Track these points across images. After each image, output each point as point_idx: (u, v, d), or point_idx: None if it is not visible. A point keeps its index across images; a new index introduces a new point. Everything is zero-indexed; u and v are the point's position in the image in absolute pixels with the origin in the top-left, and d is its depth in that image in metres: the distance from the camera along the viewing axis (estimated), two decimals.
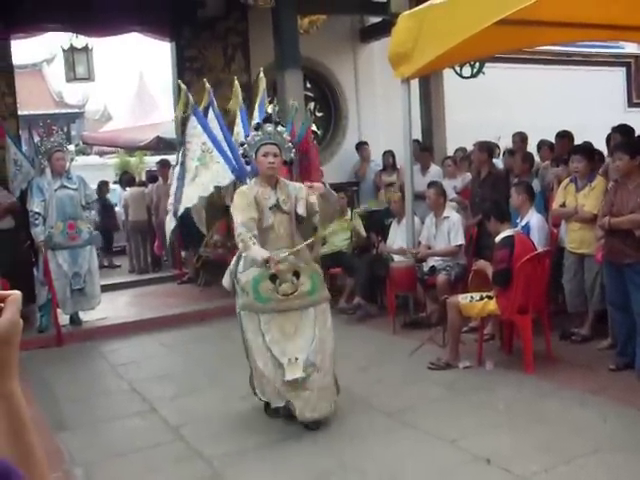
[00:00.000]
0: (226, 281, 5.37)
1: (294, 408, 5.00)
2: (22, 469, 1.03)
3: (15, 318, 1.11)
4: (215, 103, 7.86)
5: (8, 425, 1.11)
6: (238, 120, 7.75)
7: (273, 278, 4.99)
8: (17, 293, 1.13)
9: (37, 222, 8.23)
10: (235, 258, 5.29)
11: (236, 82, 8.13)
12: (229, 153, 7.47)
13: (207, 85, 7.54)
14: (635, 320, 5.73)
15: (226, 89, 10.93)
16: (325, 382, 5.10)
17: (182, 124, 8.11)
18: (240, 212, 5.04)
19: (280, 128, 5.27)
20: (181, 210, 7.74)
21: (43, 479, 1.12)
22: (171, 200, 7.82)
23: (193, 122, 7.71)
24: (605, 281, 6.22)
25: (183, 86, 7.39)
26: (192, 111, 7.66)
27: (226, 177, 7.59)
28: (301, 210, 5.21)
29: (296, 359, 4.95)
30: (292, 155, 5.46)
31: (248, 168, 6.67)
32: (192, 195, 7.73)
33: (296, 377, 4.91)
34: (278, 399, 5.09)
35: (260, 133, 5.16)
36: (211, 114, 7.85)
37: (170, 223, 7.87)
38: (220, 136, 7.64)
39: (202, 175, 7.66)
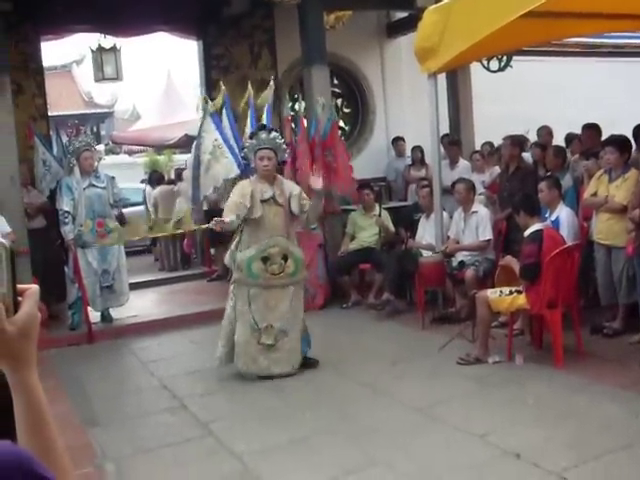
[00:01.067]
0: (226, 259, 6.54)
1: (262, 368, 6.32)
2: (44, 464, 1.04)
3: (33, 311, 1.12)
4: (229, 103, 8.75)
5: (28, 419, 1.12)
6: (248, 121, 8.73)
7: (265, 259, 6.20)
8: (35, 287, 1.14)
9: (67, 221, 8.32)
10: (235, 241, 6.40)
11: (271, 82, 8.92)
12: (236, 150, 8.46)
13: (222, 87, 8.31)
14: None
15: (252, 87, 11.03)
16: (292, 345, 6.37)
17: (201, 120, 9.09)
18: (232, 196, 6.26)
19: (273, 134, 6.35)
20: (201, 197, 9.20)
21: (65, 474, 1.12)
22: (186, 186, 9.13)
23: (208, 120, 8.70)
24: (637, 273, 6.15)
25: (223, 87, 8.12)
26: (209, 112, 8.60)
27: (233, 171, 8.56)
28: (294, 207, 6.33)
29: (271, 326, 6.25)
30: (286, 156, 6.97)
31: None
32: (208, 184, 8.89)
33: (268, 343, 6.25)
34: (253, 365, 6.31)
35: (254, 140, 6.31)
36: (224, 113, 8.77)
37: (186, 203, 9.98)
38: (229, 134, 8.73)
39: (213, 167, 8.69)
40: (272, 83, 8.23)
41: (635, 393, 5.29)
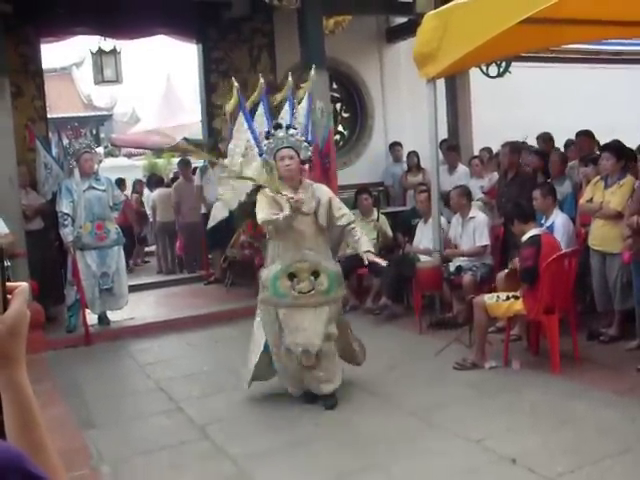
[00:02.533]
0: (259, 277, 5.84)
1: (309, 388, 5.69)
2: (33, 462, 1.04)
3: (23, 309, 1.12)
4: (244, 102, 7.57)
5: (17, 417, 1.11)
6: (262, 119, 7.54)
7: (291, 276, 5.41)
8: (24, 285, 1.14)
9: (66, 223, 8.32)
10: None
11: (261, 80, 7.71)
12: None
13: (235, 84, 7.36)
14: None
15: (251, 91, 11.01)
16: (332, 365, 5.66)
17: (231, 120, 7.90)
18: (261, 210, 5.44)
19: (292, 131, 5.62)
20: (234, 205, 7.69)
21: (55, 473, 1.12)
22: (221, 190, 7.78)
23: (240, 119, 7.63)
24: (634, 280, 6.16)
25: (235, 84, 7.31)
26: (241, 109, 7.51)
27: (263, 174, 7.35)
28: (321, 219, 5.55)
29: (307, 350, 5.43)
30: (309, 153, 5.82)
31: None
32: (241, 189, 7.52)
33: (309, 364, 5.48)
34: (301, 385, 5.72)
35: (272, 141, 5.61)
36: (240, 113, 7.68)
37: (221, 211, 8.34)
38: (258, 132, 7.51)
39: (245, 172, 7.56)
40: (262, 80, 7.37)
41: (631, 399, 5.30)
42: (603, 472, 4.13)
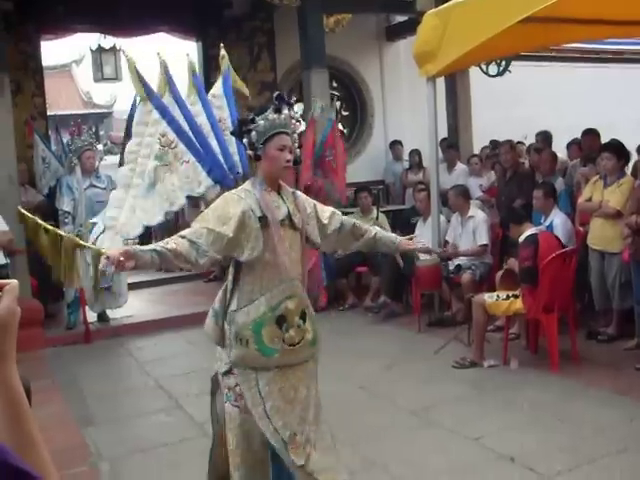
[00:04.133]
0: (209, 326, 3.66)
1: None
2: (23, 459, 1.04)
3: (12, 306, 1.13)
4: (200, 81, 6.34)
5: (7, 412, 1.11)
6: (221, 102, 6.17)
7: (280, 321, 3.50)
8: (14, 282, 1.15)
9: (67, 221, 8.32)
10: (221, 292, 3.63)
11: (222, 52, 6.57)
12: (219, 142, 5.79)
13: (161, 57, 6.00)
14: None
15: (251, 89, 11.00)
16: (326, 442, 3.76)
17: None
18: (204, 220, 3.43)
19: (295, 111, 3.67)
20: (138, 230, 5.76)
21: (45, 470, 1.12)
22: (115, 214, 5.84)
23: (147, 107, 5.74)
24: (633, 279, 6.17)
25: (132, 59, 5.80)
26: (146, 93, 5.80)
27: (202, 182, 5.63)
28: (314, 235, 3.71)
29: (295, 434, 3.53)
30: (298, 152, 3.77)
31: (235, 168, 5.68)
32: (153, 210, 5.64)
33: (300, 464, 3.51)
34: None
35: (264, 122, 3.51)
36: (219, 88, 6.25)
37: (111, 241, 5.93)
38: (185, 124, 5.78)
39: (166, 180, 5.65)
40: (223, 52, 6.27)
41: (630, 398, 5.31)
42: (601, 471, 4.14)
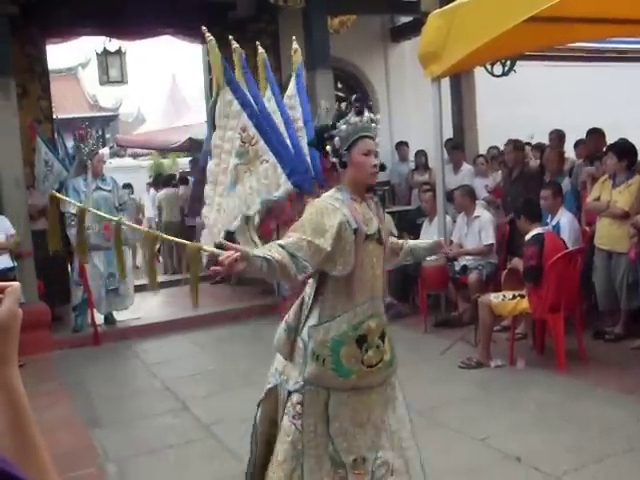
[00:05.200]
0: (281, 340, 3.44)
1: None
2: (24, 463, 1.04)
3: (14, 308, 1.13)
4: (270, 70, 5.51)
5: (8, 416, 1.10)
6: (294, 102, 5.48)
7: (360, 341, 3.26)
8: (16, 284, 1.15)
9: (73, 223, 8.34)
10: (297, 306, 3.41)
11: (294, 45, 5.78)
12: (294, 142, 5.02)
13: (235, 44, 5.37)
14: None
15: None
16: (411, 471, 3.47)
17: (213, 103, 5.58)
18: (302, 231, 3.10)
19: (378, 116, 3.60)
20: (221, 234, 5.03)
21: (46, 474, 1.12)
22: (206, 211, 5.29)
23: (227, 96, 5.07)
24: None
25: (213, 42, 5.00)
26: (226, 80, 5.12)
27: (280, 185, 4.94)
28: (388, 249, 3.54)
29: (364, 460, 3.31)
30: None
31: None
32: (232, 213, 5.08)
33: None
34: None
35: (346, 126, 3.32)
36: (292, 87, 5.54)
37: (207, 237, 5.24)
38: (270, 118, 5.07)
39: (245, 181, 5.05)
40: (296, 46, 5.44)
41: (637, 397, 5.29)
42: (607, 471, 4.14)
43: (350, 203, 3.26)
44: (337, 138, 3.28)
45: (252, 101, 4.88)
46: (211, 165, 4.95)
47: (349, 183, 3.32)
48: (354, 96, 3.46)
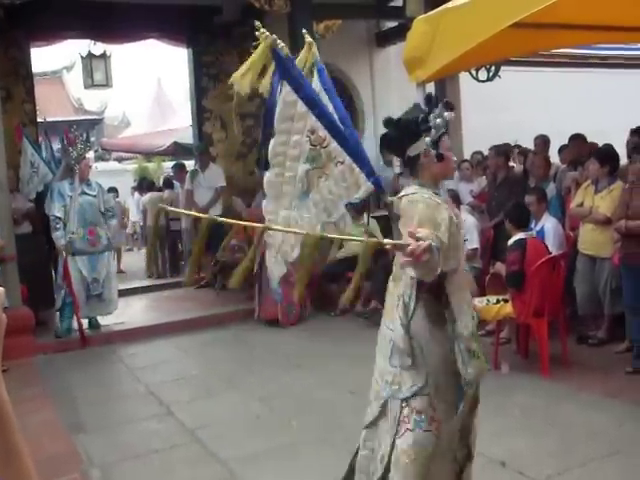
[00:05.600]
0: (402, 343, 3.16)
1: None
2: (6, 470, 1.02)
3: None
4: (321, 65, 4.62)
5: None
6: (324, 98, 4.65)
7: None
8: (0, 290, 1.13)
9: (58, 226, 8.30)
10: (397, 308, 3.17)
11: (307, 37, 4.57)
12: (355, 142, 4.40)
13: (308, 38, 4.36)
14: None
15: (241, 96, 10.94)
16: None
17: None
18: (426, 224, 2.94)
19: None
20: (297, 251, 4.20)
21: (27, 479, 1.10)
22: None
23: (290, 97, 4.33)
24: (623, 284, 6.20)
25: (264, 33, 4.07)
26: (281, 74, 4.33)
27: (361, 186, 4.23)
28: None
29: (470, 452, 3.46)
30: None
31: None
32: (310, 224, 4.34)
33: None
34: None
35: (447, 116, 3.26)
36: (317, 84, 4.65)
37: (277, 266, 4.50)
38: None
39: (321, 187, 4.43)
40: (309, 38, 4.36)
41: (620, 401, 5.33)
42: (591, 474, 4.16)
43: (445, 198, 3.22)
44: (433, 130, 3.20)
45: (319, 100, 4.38)
46: (270, 176, 4.39)
47: (431, 178, 3.24)
48: (427, 92, 3.53)
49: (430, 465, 3.10)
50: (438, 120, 3.20)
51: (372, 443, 3.31)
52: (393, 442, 3.11)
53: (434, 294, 3.09)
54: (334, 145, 4.14)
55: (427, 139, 3.20)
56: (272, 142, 4.34)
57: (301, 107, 4.24)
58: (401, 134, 3.32)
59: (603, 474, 4.16)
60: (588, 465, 4.26)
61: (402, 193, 3.29)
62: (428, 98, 3.35)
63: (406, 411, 3.09)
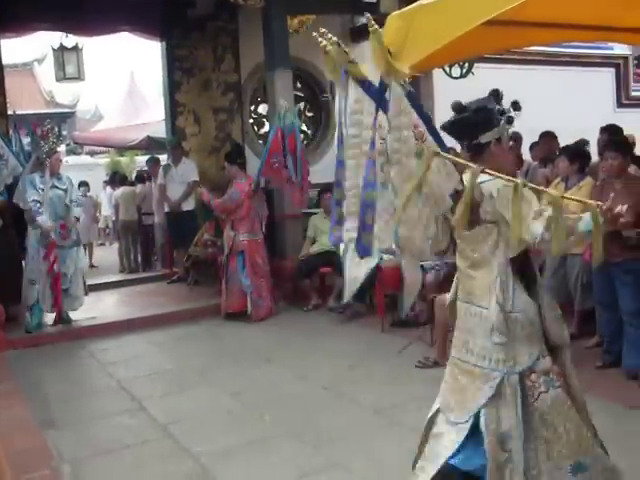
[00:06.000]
0: (501, 321, 3.25)
1: None
2: None
3: None
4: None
5: None
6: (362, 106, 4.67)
7: None
8: None
9: (41, 210, 8.21)
10: (497, 286, 3.30)
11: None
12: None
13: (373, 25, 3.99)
14: (621, 319, 5.79)
15: (215, 90, 10.97)
16: None
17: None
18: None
19: None
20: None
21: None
22: (403, 232, 4.25)
23: (397, 90, 4.25)
24: (593, 280, 6.26)
25: (375, 28, 3.97)
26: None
27: (449, 175, 4.21)
28: None
29: None
30: None
31: None
32: (421, 220, 4.24)
33: None
34: None
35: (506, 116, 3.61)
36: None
37: (365, 264, 4.36)
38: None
39: (428, 180, 4.25)
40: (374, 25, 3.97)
41: (590, 395, 5.34)
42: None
43: None
44: (507, 125, 3.51)
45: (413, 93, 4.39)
46: (393, 175, 4.25)
47: (495, 166, 3.35)
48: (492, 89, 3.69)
49: (577, 415, 3.38)
50: (512, 114, 3.51)
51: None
52: (517, 415, 3.22)
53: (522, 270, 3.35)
54: (430, 139, 4.20)
55: (500, 129, 3.49)
56: (388, 139, 4.29)
57: (406, 102, 4.23)
58: (477, 119, 3.57)
59: None
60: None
61: (474, 179, 3.37)
62: (495, 93, 3.70)
63: (533, 377, 3.26)
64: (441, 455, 3.40)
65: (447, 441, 3.41)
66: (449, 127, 3.77)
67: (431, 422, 3.57)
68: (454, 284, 3.67)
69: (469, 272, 3.47)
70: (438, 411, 3.54)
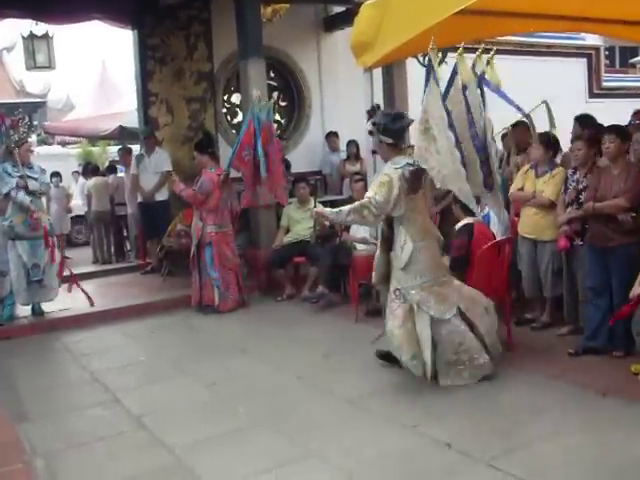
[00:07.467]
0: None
1: None
2: None
3: None
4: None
5: None
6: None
7: None
8: None
9: (20, 192, 8.18)
10: None
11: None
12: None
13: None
14: (612, 303, 5.80)
15: (188, 79, 10.89)
16: None
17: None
18: None
19: None
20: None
21: None
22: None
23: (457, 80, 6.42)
24: (588, 266, 6.24)
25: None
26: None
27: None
28: None
29: None
30: None
31: None
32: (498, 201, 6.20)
33: None
34: None
35: None
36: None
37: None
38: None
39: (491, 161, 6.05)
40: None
41: (563, 382, 5.43)
42: (536, 454, 4.23)
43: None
44: None
45: None
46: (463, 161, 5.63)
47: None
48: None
49: None
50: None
51: None
52: None
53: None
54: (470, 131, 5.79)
55: None
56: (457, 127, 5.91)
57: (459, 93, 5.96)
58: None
59: (546, 454, 4.23)
60: (532, 445, 4.34)
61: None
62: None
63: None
64: None
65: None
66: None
67: None
68: None
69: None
70: None
